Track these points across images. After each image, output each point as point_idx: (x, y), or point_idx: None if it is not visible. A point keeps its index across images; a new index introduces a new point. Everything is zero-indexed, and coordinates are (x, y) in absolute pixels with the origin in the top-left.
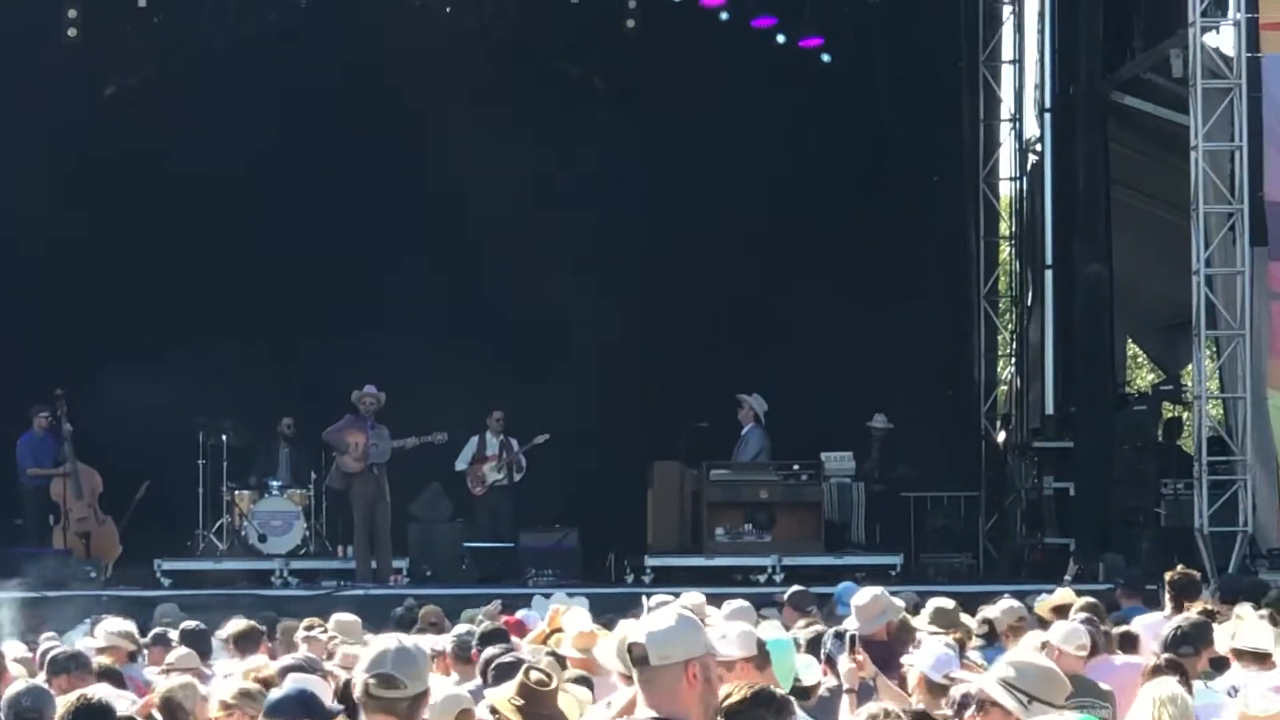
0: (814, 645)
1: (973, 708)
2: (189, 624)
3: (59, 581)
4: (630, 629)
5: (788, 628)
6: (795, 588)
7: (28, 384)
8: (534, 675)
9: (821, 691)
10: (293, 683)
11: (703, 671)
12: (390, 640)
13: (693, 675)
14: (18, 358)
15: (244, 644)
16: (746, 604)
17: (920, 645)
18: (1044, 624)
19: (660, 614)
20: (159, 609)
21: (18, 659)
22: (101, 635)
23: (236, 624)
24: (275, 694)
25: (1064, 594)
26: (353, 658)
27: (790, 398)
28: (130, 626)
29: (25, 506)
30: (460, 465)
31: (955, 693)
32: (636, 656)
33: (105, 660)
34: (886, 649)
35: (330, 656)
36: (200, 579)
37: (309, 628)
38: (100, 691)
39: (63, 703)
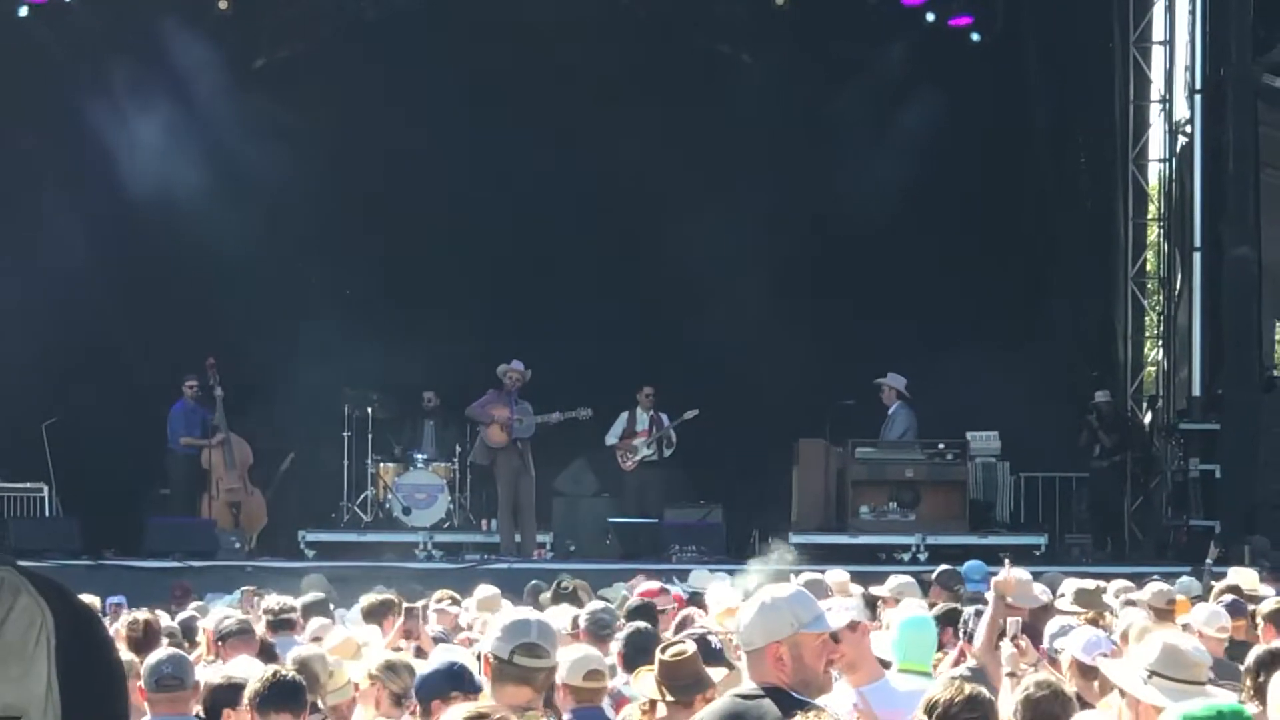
0: (948, 621)
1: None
2: (309, 597)
3: (205, 551)
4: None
5: (934, 607)
6: (943, 567)
7: (178, 357)
8: (670, 651)
9: (961, 670)
10: (442, 656)
11: (791, 650)
12: (526, 611)
13: (777, 658)
14: (167, 330)
15: (374, 617)
16: (911, 580)
17: (1061, 626)
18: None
19: (748, 603)
20: (306, 579)
21: (165, 626)
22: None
23: (369, 597)
24: (425, 669)
25: (1244, 574)
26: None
27: (935, 376)
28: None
29: (173, 476)
30: (610, 440)
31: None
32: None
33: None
34: (1027, 629)
35: (457, 629)
36: (344, 551)
37: (439, 600)
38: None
39: (256, 676)
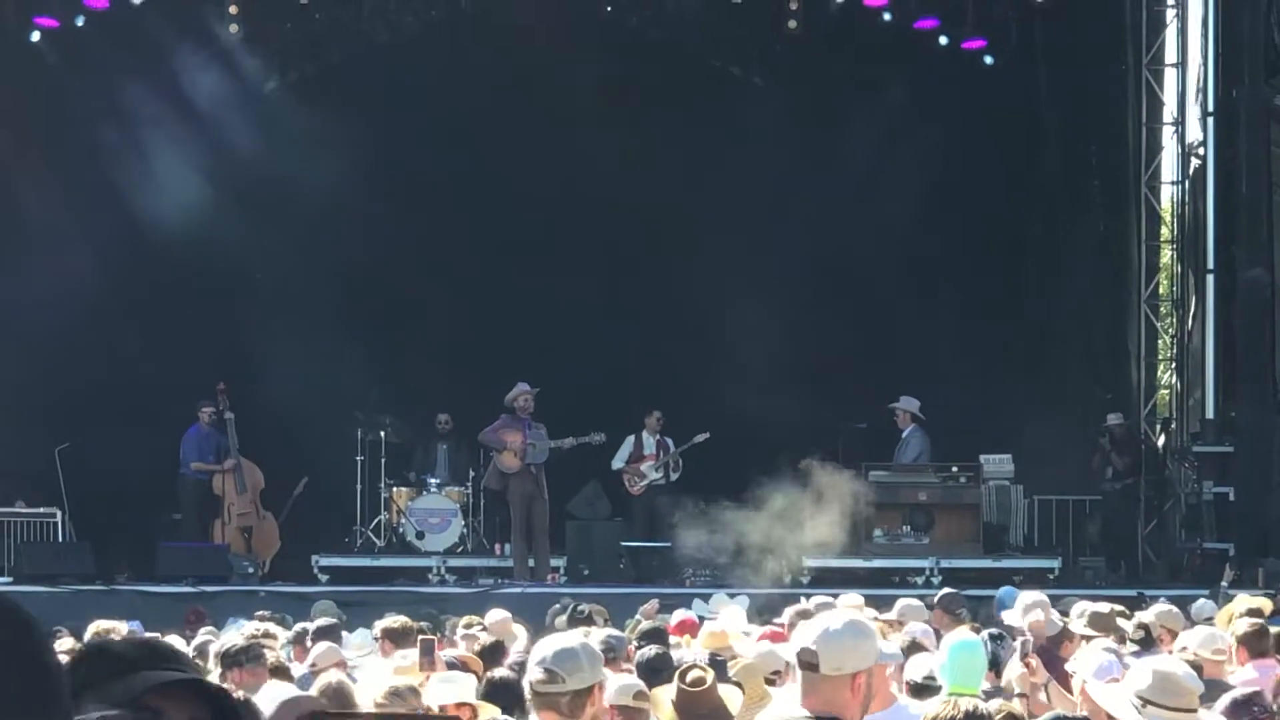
0: None
1: None
2: (322, 621)
3: (218, 576)
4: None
5: (938, 631)
6: (945, 590)
7: (190, 381)
8: (690, 676)
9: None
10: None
11: (868, 680)
12: (556, 637)
13: (858, 685)
14: (182, 354)
15: (396, 640)
16: (918, 603)
17: (1080, 648)
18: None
19: (833, 620)
20: (316, 605)
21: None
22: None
23: (390, 620)
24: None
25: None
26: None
27: (948, 399)
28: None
29: (185, 501)
30: (617, 464)
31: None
32: (805, 662)
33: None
34: (1044, 653)
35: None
36: (357, 575)
37: (467, 625)
38: (272, 689)
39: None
